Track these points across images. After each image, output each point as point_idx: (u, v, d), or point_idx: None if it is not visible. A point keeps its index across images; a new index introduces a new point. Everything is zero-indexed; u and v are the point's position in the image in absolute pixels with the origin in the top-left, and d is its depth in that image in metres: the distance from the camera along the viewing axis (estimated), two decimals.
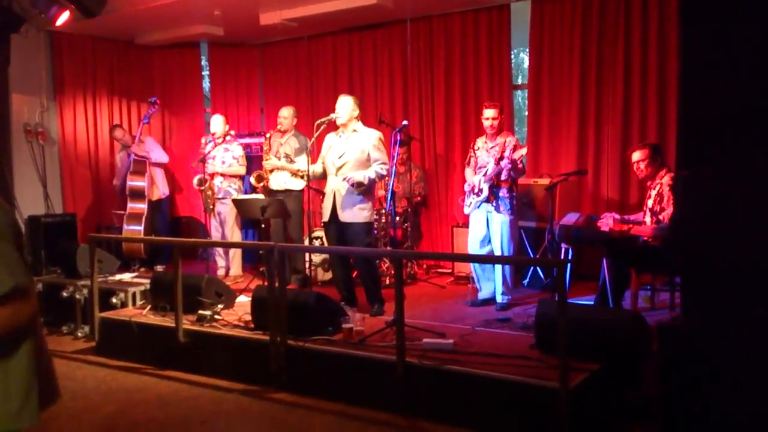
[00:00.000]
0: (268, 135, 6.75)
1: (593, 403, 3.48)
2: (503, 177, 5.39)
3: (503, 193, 5.45)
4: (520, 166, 5.45)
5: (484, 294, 5.71)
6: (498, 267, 5.56)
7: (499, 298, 5.57)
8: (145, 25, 8.11)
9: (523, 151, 5.36)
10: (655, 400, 2.91)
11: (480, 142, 5.70)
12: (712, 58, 2.78)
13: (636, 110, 6.49)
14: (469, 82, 7.51)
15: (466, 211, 5.67)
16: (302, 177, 6.48)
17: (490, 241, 5.56)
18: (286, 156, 6.55)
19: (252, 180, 6.80)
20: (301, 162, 6.47)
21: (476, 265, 5.77)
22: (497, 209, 5.46)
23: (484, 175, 5.45)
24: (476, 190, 5.52)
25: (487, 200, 5.47)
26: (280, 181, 6.56)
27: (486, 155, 5.55)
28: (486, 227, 5.55)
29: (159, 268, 7.38)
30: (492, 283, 5.66)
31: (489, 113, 5.54)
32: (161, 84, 9.03)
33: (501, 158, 5.39)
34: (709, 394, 2.69)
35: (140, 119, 8.04)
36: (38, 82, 7.95)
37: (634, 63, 6.47)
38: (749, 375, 2.61)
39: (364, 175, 5.22)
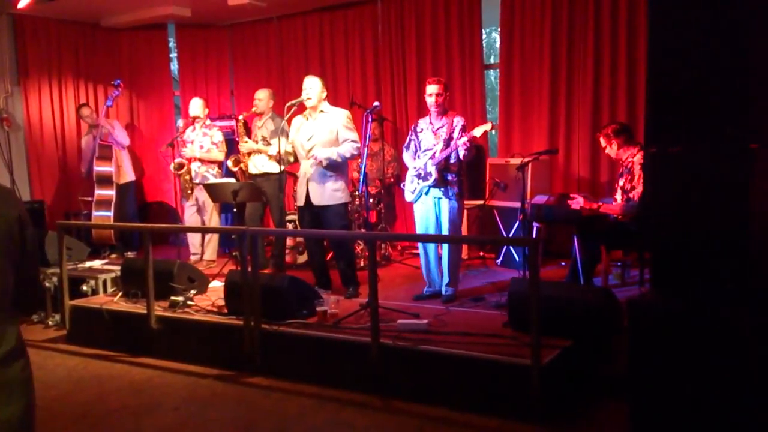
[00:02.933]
0: (240, 117, 6.63)
1: (565, 379, 3.53)
2: (452, 160, 4.95)
3: (452, 177, 5.00)
4: (472, 146, 4.95)
5: (430, 288, 5.27)
6: (444, 258, 5.14)
7: (443, 290, 5.15)
8: (110, 7, 7.93)
9: (487, 126, 4.87)
10: (625, 376, 2.95)
11: (423, 123, 5.18)
12: (681, 33, 2.79)
13: (606, 88, 6.53)
14: (441, 62, 7.48)
15: (410, 198, 5.20)
16: (277, 161, 6.41)
17: (440, 230, 5.10)
18: (263, 139, 6.45)
19: (229, 164, 6.71)
20: (277, 145, 6.39)
21: (422, 258, 5.30)
22: (446, 194, 5.01)
23: (432, 157, 4.98)
24: (423, 174, 5.05)
25: (435, 185, 5.00)
26: (258, 164, 6.46)
27: (432, 137, 5.04)
28: (435, 214, 5.09)
29: (130, 254, 7.31)
30: (437, 277, 5.25)
31: (432, 89, 4.97)
32: (128, 67, 8.86)
33: (450, 139, 4.93)
34: (677, 369, 2.74)
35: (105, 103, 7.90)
36: (1, 67, 7.76)
37: (604, 41, 6.50)
38: (716, 350, 2.65)
39: (335, 151, 5.11)
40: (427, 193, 5.09)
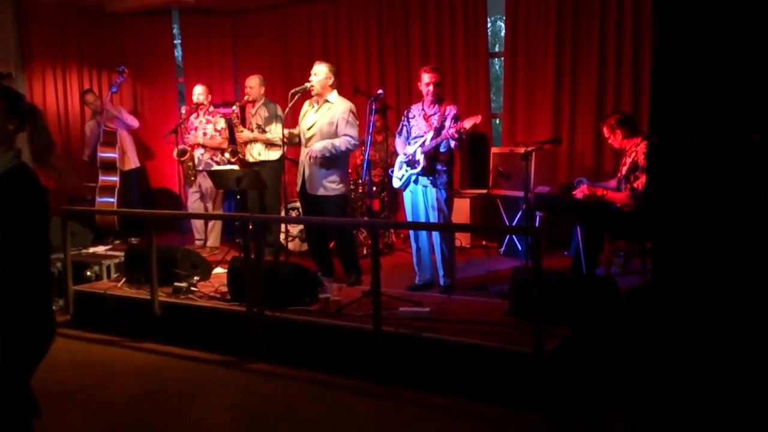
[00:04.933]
0: (234, 108, 6.59)
1: (567, 368, 3.53)
2: (442, 149, 4.88)
3: (441, 166, 4.92)
4: (465, 137, 4.87)
5: (421, 279, 5.26)
6: (437, 251, 5.11)
7: (441, 281, 5.12)
8: None
9: (476, 119, 4.76)
10: (627, 364, 2.96)
11: (415, 109, 5.11)
12: (687, 22, 2.77)
13: (611, 77, 6.51)
14: (445, 51, 7.46)
15: (397, 185, 5.16)
16: (281, 144, 6.38)
17: (428, 219, 5.05)
18: (258, 127, 6.44)
19: (227, 155, 6.71)
20: (275, 131, 6.37)
21: (413, 247, 5.30)
22: (434, 183, 4.94)
23: (421, 145, 4.92)
24: (411, 162, 4.97)
25: (423, 173, 4.93)
26: (254, 152, 6.46)
27: (423, 124, 4.97)
28: (423, 203, 5.04)
29: (133, 240, 7.33)
30: (429, 267, 5.25)
31: (428, 77, 4.92)
32: (132, 53, 8.84)
33: (441, 127, 4.86)
34: (677, 359, 2.74)
35: (109, 89, 7.89)
36: (5, 52, 7.75)
37: (609, 30, 6.47)
38: (718, 341, 2.65)
39: (331, 143, 5.09)
40: (416, 182, 5.03)
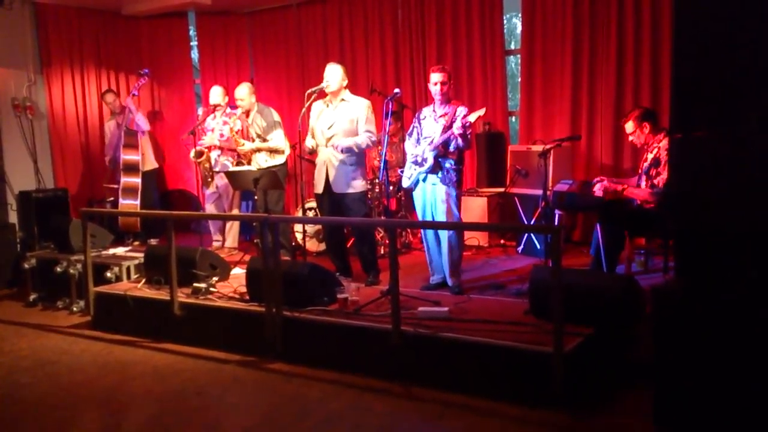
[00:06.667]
0: (231, 126, 6.55)
1: (587, 367, 3.50)
2: (451, 147, 4.86)
3: (450, 164, 4.92)
4: (469, 132, 4.88)
5: (435, 278, 5.26)
6: (444, 250, 5.07)
7: (449, 281, 5.10)
8: None
9: (481, 112, 4.74)
10: (648, 364, 2.92)
11: (426, 111, 5.13)
12: (707, 18, 2.74)
13: (630, 73, 6.45)
14: (461, 48, 7.43)
15: (406, 184, 5.16)
16: (284, 150, 6.35)
17: (435, 218, 5.06)
18: (258, 136, 6.41)
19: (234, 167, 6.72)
20: (276, 138, 6.35)
21: (425, 246, 5.30)
22: (443, 181, 4.93)
23: (430, 143, 4.94)
24: (419, 160, 5.00)
25: (432, 171, 4.93)
26: (260, 161, 6.43)
27: (433, 124, 4.99)
28: (431, 201, 5.04)
29: (153, 241, 7.38)
30: (440, 266, 5.20)
31: (436, 77, 4.93)
32: (149, 55, 8.92)
33: (449, 126, 4.85)
34: (700, 357, 2.71)
35: (129, 91, 7.94)
36: (24, 56, 7.84)
37: (628, 25, 6.41)
38: (740, 338, 2.62)
39: (354, 141, 5.16)
40: (425, 180, 5.03)
